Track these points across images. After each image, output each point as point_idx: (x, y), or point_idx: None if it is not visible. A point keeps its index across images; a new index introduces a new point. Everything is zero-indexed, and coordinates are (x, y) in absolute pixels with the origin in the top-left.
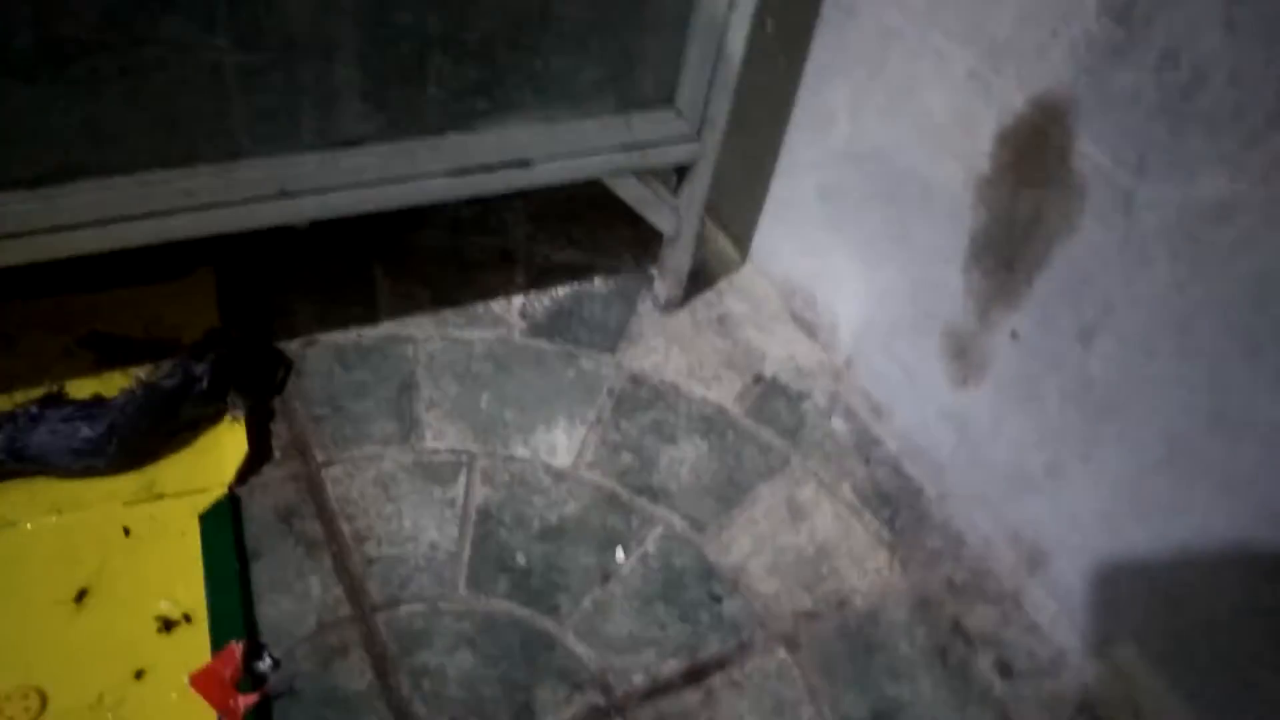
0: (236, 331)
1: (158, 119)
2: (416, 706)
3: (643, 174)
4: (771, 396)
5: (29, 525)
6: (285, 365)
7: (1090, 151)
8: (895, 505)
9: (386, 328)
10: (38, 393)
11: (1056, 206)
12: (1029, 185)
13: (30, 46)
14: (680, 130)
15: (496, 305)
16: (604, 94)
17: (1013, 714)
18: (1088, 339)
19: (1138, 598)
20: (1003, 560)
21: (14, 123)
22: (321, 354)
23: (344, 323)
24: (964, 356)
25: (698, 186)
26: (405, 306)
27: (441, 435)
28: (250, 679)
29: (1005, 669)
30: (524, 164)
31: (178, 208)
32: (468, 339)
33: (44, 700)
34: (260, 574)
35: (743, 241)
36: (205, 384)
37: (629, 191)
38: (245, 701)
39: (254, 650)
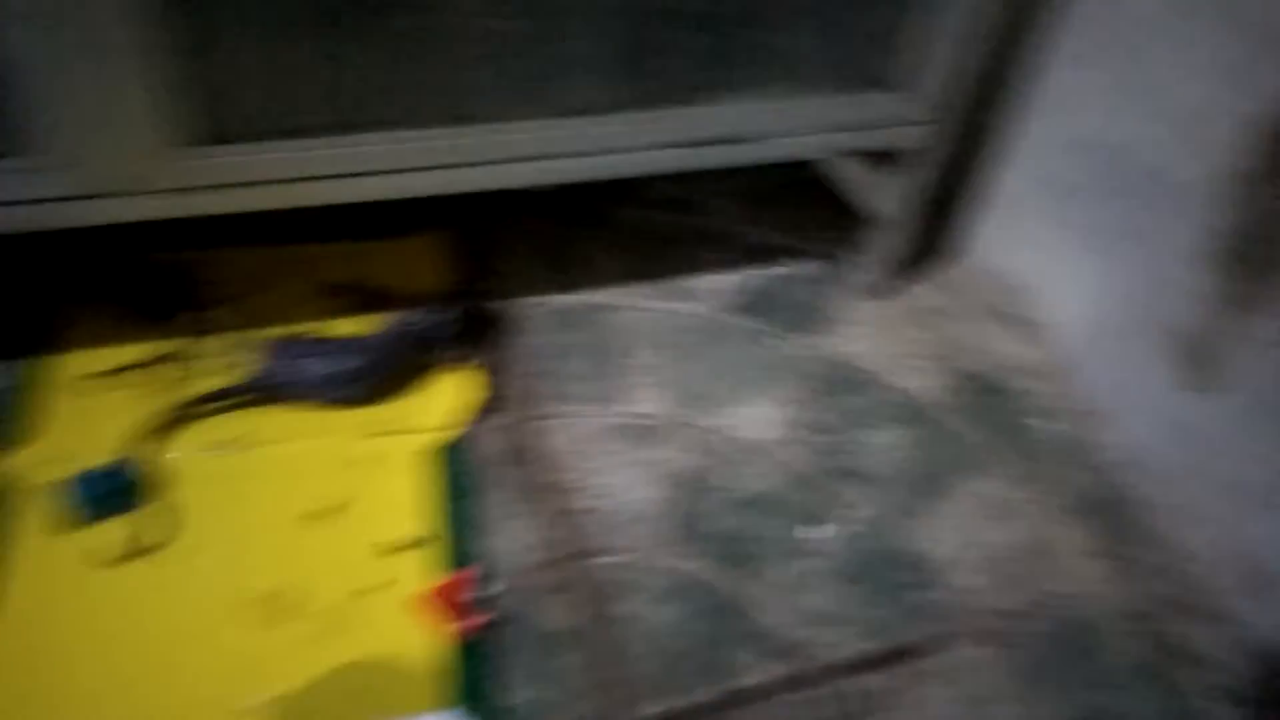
0: (470, 288)
1: (433, 79)
2: (619, 649)
3: (864, 156)
4: (978, 393)
5: (279, 447)
6: (508, 323)
7: None
8: (1108, 514)
9: (595, 295)
10: (293, 328)
11: None
12: None
13: (340, 2)
14: (912, 113)
15: (699, 281)
16: (834, 71)
17: None
18: None
19: None
20: (1223, 580)
21: (313, 74)
22: (539, 315)
23: (559, 288)
24: (1202, 364)
25: (923, 172)
26: (614, 277)
27: (646, 400)
28: (475, 602)
29: (1218, 693)
30: (745, 139)
31: (442, 164)
32: (672, 312)
33: (285, 603)
34: (479, 510)
35: (956, 232)
36: (451, 332)
37: (848, 173)
38: (474, 621)
39: (479, 578)
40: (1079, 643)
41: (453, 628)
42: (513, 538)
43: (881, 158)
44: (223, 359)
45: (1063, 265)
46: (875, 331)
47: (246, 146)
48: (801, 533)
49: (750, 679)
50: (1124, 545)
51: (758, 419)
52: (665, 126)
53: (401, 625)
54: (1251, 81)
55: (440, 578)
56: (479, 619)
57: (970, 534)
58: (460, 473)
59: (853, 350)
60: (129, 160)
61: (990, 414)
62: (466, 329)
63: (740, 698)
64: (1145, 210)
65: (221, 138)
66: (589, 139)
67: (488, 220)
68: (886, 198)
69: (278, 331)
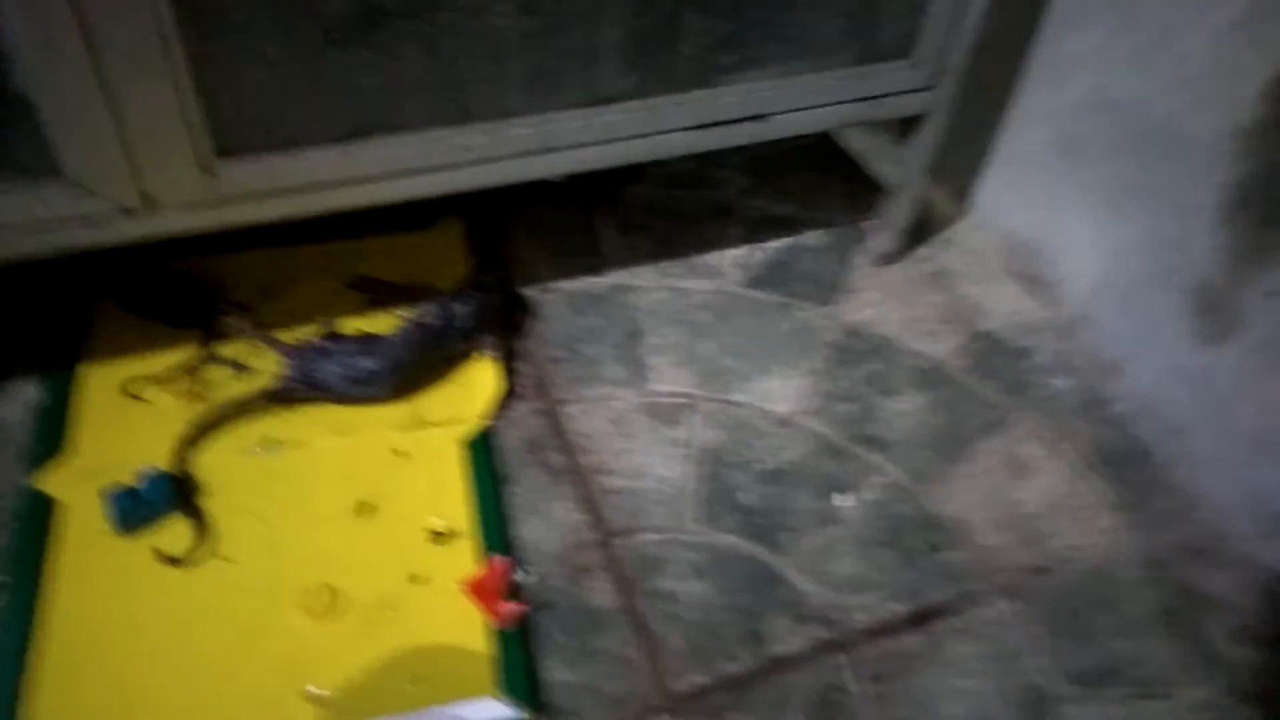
0: (489, 278)
1: (446, 80)
2: (656, 625)
3: (871, 125)
4: (993, 353)
5: (316, 445)
6: (527, 310)
7: None
8: (1124, 465)
9: (612, 277)
10: (314, 329)
11: None
12: None
13: (349, 13)
14: (916, 81)
15: (714, 257)
16: (843, 46)
17: (1244, 682)
18: None
19: None
20: (1240, 525)
21: (328, 83)
22: (556, 300)
23: (574, 271)
24: (1213, 314)
25: (928, 138)
26: (628, 257)
27: (667, 379)
28: (513, 590)
29: (1238, 635)
30: (762, 118)
31: (457, 163)
32: (688, 289)
33: (335, 596)
34: (511, 497)
35: (964, 195)
36: (467, 324)
37: (856, 143)
38: (512, 608)
39: (515, 565)
40: (1102, 593)
41: (494, 615)
42: (545, 522)
43: (889, 124)
44: (252, 362)
45: (1073, 222)
46: (890, 297)
47: (271, 157)
48: (829, 501)
49: (787, 646)
50: (1142, 496)
51: (780, 391)
52: (683, 111)
53: (449, 614)
54: (1253, 37)
55: (480, 567)
56: (519, 607)
57: (992, 493)
58: (493, 462)
59: (869, 317)
60: (152, 177)
61: (1006, 373)
62: (491, 317)
63: (779, 665)
64: (1153, 165)
65: (246, 149)
66: (615, 127)
67: (500, 207)
68: (895, 164)
69: (304, 332)
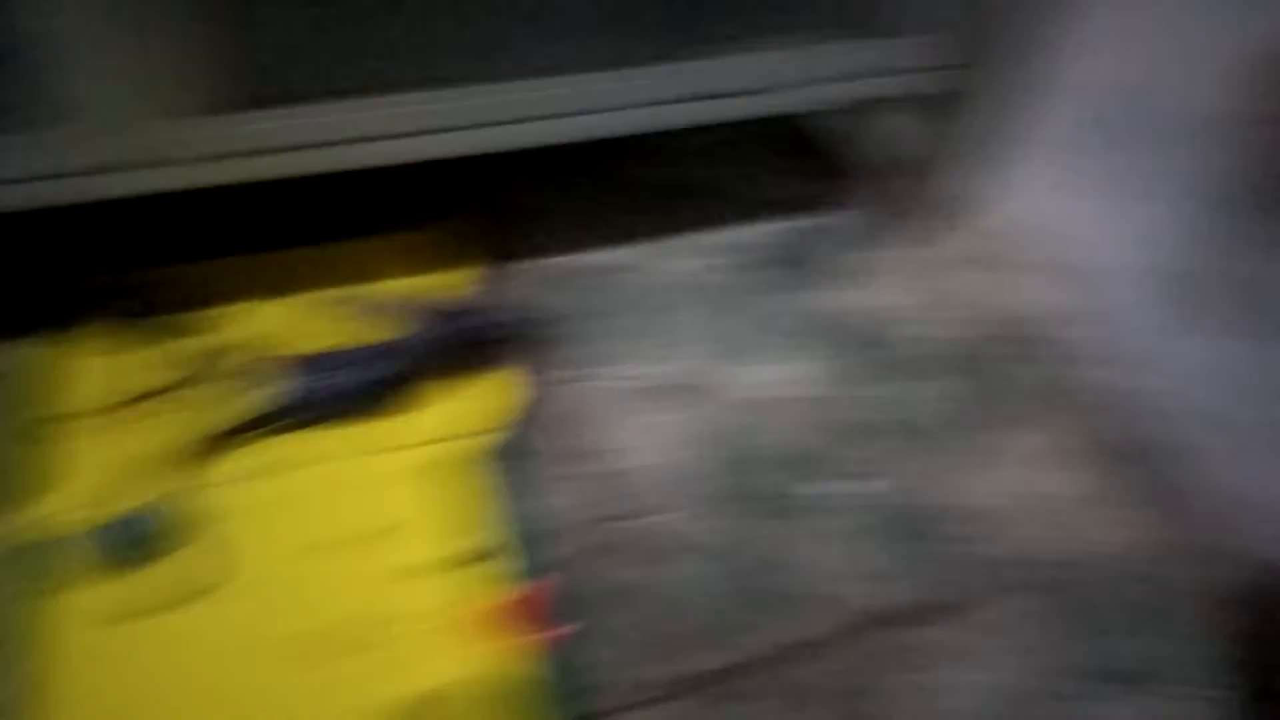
0: (493, 291)
1: (460, 36)
2: (664, 608)
3: (893, 103)
4: (1013, 342)
5: (323, 468)
6: (541, 323)
7: None
8: (1148, 459)
9: (612, 255)
10: (308, 342)
11: None
12: None
13: None
14: (940, 59)
15: (720, 236)
16: (857, 17)
17: (1262, 681)
18: None
19: None
20: (1264, 522)
21: (343, 35)
22: (555, 279)
23: (576, 250)
24: (1235, 306)
25: (953, 118)
26: (628, 235)
27: (678, 359)
28: (553, 614)
29: (1259, 633)
30: (767, 90)
31: (474, 123)
32: (693, 268)
33: (353, 633)
34: (524, 480)
35: (984, 179)
36: (488, 335)
37: (876, 121)
38: (559, 630)
39: (546, 584)
40: (1123, 589)
41: (539, 637)
42: (547, 503)
43: (912, 103)
44: (241, 380)
45: (1093, 210)
46: (905, 282)
47: (281, 110)
48: (843, 488)
49: (801, 633)
50: (1164, 491)
51: (791, 374)
52: (687, 79)
53: (474, 644)
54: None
55: (512, 592)
56: (566, 628)
57: (1011, 485)
58: (508, 473)
59: (883, 302)
60: (162, 128)
61: (1025, 363)
62: (504, 332)
63: (792, 652)
64: (1173, 153)
65: (258, 102)
66: (613, 94)
67: (496, 196)
68: (917, 144)
69: (298, 345)
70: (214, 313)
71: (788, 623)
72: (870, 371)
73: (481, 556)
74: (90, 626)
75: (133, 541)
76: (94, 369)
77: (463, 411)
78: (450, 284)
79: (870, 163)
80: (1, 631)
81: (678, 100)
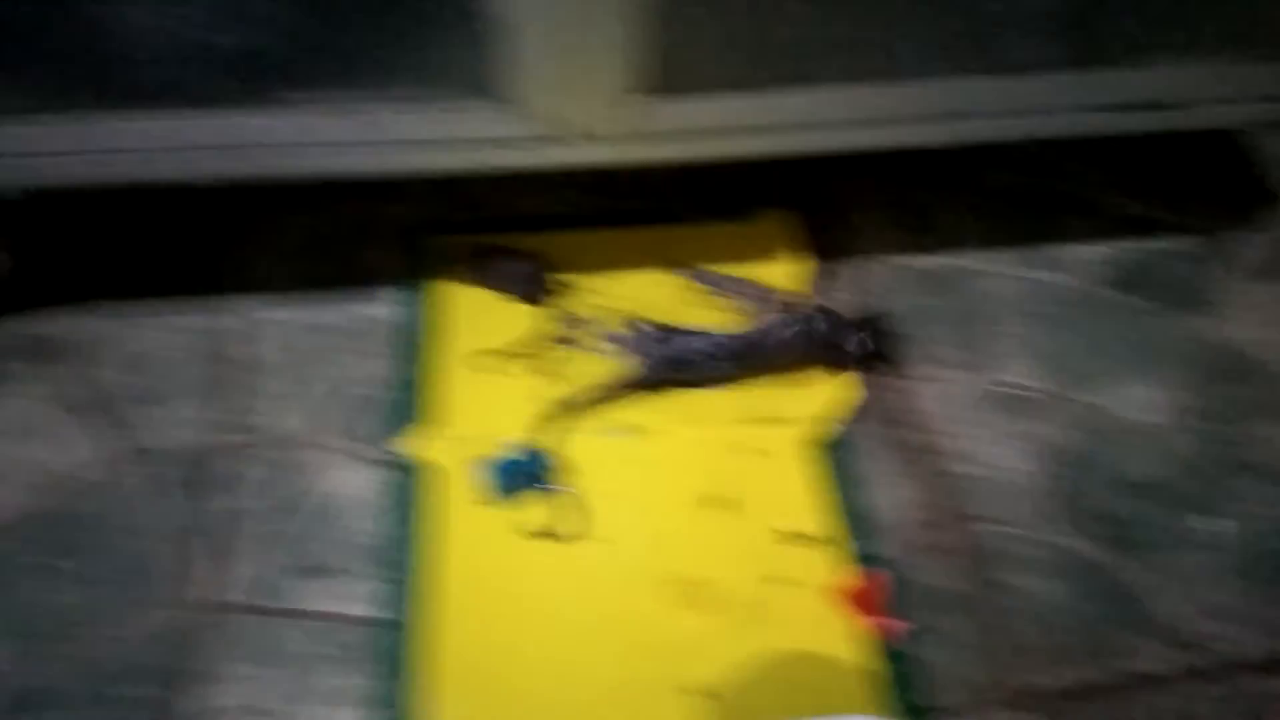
0: (837, 280)
1: (867, 35)
2: (999, 617)
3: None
4: None
5: (668, 433)
6: (884, 314)
7: None
8: None
9: (958, 259)
10: (647, 315)
11: None
12: None
13: None
14: None
15: (1067, 251)
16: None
17: None
18: None
19: None
20: None
21: (765, 33)
22: (893, 278)
23: (917, 250)
24: None
25: None
26: (975, 241)
27: (1014, 370)
28: (889, 608)
29: None
30: (1170, 105)
31: (869, 120)
32: (1039, 280)
33: (701, 588)
34: (863, 472)
35: None
36: (833, 337)
37: (1259, 142)
38: (897, 624)
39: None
40: None
41: (877, 629)
42: (887, 498)
43: None
44: (600, 345)
45: None
46: (1267, 315)
47: (695, 97)
48: (1195, 523)
49: (1145, 666)
50: None
51: (1140, 400)
52: (1091, 89)
53: (819, 620)
54: None
55: (848, 579)
56: (903, 623)
57: None
58: (850, 464)
59: (1243, 336)
60: (586, 107)
61: None
62: (857, 339)
63: (1136, 683)
64: None
65: (677, 88)
66: (1014, 98)
67: (835, 189)
68: None
69: (646, 316)
70: (585, 280)
71: (1133, 654)
72: (1228, 406)
73: (825, 540)
74: (489, 543)
75: (517, 478)
76: (460, 316)
77: (812, 399)
78: (789, 274)
79: (1231, 185)
80: (403, 544)
81: (1086, 110)
